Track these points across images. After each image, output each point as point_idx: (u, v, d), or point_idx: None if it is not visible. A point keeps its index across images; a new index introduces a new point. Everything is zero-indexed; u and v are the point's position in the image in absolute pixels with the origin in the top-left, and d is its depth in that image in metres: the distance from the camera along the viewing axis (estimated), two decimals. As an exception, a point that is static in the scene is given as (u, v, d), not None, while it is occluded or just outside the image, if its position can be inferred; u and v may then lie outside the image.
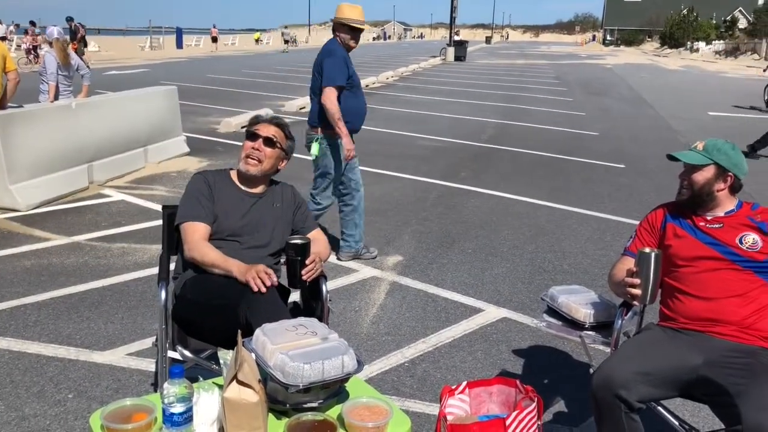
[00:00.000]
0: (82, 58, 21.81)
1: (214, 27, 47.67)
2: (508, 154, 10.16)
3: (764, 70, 20.86)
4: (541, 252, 5.63)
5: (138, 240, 5.62)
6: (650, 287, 2.45)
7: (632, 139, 11.94)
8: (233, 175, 2.99)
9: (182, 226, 2.83)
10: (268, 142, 2.90)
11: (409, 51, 53.48)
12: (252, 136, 2.92)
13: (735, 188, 2.58)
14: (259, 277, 2.56)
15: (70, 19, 22.50)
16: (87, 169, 7.23)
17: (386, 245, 5.68)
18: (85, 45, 22.54)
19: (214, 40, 45.79)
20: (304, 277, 2.66)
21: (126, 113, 8.07)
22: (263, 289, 2.55)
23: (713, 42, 60.60)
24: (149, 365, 3.50)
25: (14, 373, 3.42)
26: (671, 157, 2.66)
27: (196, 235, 2.78)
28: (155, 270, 2.96)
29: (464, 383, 2.46)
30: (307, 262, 2.67)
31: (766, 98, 18.21)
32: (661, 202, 2.82)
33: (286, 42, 49.53)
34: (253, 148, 2.89)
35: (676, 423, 2.49)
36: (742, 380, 2.21)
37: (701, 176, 2.55)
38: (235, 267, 2.68)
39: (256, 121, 2.99)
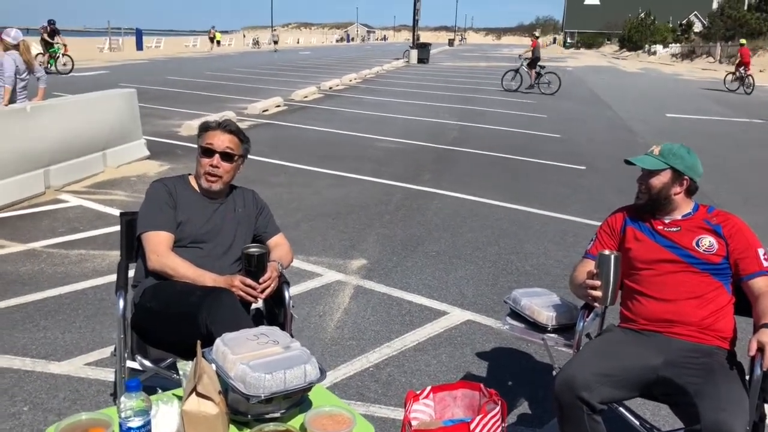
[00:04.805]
0: (58, 60, 21.50)
1: (213, 28, 51.57)
2: (470, 156, 10.23)
3: (519, 56, 22.95)
4: (504, 254, 5.67)
5: (97, 246, 5.50)
6: (611, 289, 2.49)
7: (592, 141, 12.13)
8: (192, 180, 2.93)
9: (145, 236, 2.76)
10: (225, 157, 2.82)
11: (372, 53, 53.54)
12: (207, 152, 2.82)
13: (691, 191, 2.63)
14: (243, 290, 2.60)
15: (52, 22, 22.21)
16: (43, 173, 7.05)
17: (350, 248, 5.67)
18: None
19: (211, 40, 49.70)
20: (260, 295, 2.64)
21: (84, 116, 7.90)
22: (255, 302, 2.66)
23: (670, 45, 61.92)
24: (109, 375, 3.42)
25: (-34, 386, 3.31)
26: (629, 162, 2.69)
27: (162, 246, 2.72)
28: (114, 277, 2.88)
29: (428, 388, 2.46)
30: (261, 279, 2.63)
31: (504, 84, 22.01)
32: (621, 204, 2.86)
33: (275, 42, 55.82)
34: (211, 165, 2.81)
35: (638, 423, 2.52)
36: (701, 380, 2.25)
37: (658, 181, 2.60)
38: (210, 281, 2.65)
39: (206, 128, 2.87)
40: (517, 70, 22.07)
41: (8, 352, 3.67)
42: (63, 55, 22.25)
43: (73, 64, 22.45)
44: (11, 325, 4.01)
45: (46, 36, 22.17)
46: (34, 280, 4.74)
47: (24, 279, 4.76)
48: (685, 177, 2.59)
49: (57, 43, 22.22)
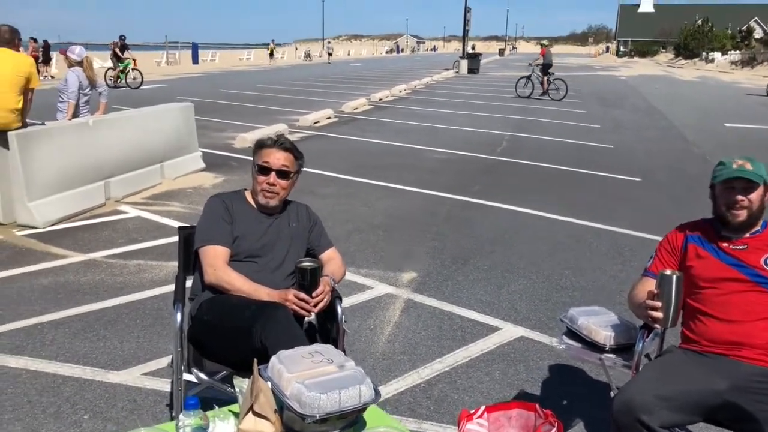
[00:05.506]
0: (128, 75, 22.15)
1: (273, 41, 53.20)
2: (521, 168, 10.12)
3: (529, 64, 23.04)
4: (558, 268, 5.57)
5: (154, 257, 5.63)
6: (672, 310, 2.41)
7: (647, 152, 11.85)
8: (248, 195, 2.98)
9: (203, 250, 2.81)
10: (281, 174, 2.86)
11: (421, 64, 53.63)
12: (263, 170, 2.86)
13: None
14: (296, 304, 2.63)
15: (122, 38, 22.94)
16: (104, 185, 7.27)
17: (400, 261, 5.65)
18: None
19: (271, 54, 51.16)
20: (312, 309, 2.67)
21: (143, 130, 8.14)
22: (308, 315, 2.72)
23: (729, 52, 60.15)
24: (165, 385, 3.49)
25: (31, 393, 3.42)
26: (734, 178, 2.49)
27: (218, 260, 2.77)
28: (172, 287, 2.94)
29: (483, 407, 2.42)
30: (314, 294, 2.65)
31: (518, 91, 22.44)
32: (679, 217, 2.78)
33: (330, 54, 58.76)
34: (267, 183, 2.85)
35: (700, 449, 2.44)
36: (770, 406, 2.16)
37: (757, 195, 2.50)
38: (265, 296, 2.68)
39: (261, 145, 2.91)
40: (529, 77, 22.49)
41: (70, 361, 3.78)
42: (132, 69, 22.88)
43: (142, 79, 23.00)
44: (73, 334, 4.13)
45: (117, 51, 22.86)
46: (95, 290, 4.87)
47: (85, 289, 4.90)
48: None
49: (127, 58, 22.90)
